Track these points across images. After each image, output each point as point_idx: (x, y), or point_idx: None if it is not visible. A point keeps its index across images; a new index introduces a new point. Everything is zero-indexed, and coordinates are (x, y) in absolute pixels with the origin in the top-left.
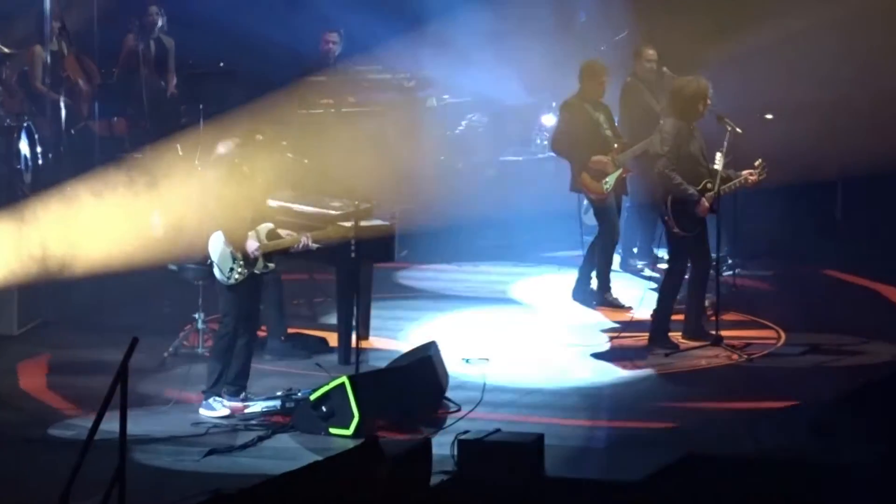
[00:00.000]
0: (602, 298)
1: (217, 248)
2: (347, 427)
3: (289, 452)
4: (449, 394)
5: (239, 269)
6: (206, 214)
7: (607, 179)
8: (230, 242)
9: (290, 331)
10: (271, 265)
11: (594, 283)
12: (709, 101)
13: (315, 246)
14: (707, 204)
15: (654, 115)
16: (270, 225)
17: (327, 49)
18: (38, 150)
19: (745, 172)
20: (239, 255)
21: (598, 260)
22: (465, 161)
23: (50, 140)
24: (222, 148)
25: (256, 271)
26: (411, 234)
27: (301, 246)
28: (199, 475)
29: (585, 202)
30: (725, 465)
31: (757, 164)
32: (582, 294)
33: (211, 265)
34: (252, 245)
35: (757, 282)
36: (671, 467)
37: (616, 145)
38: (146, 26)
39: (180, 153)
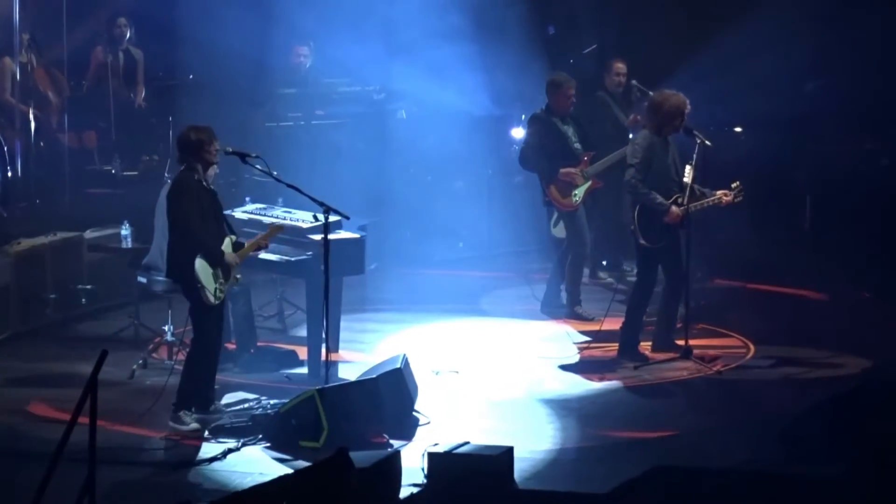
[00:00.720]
0: (571, 311)
1: (202, 270)
2: (317, 440)
3: (258, 465)
4: (418, 406)
5: (220, 287)
6: (181, 233)
7: (576, 192)
8: (211, 261)
9: (259, 343)
10: (239, 276)
11: (564, 296)
12: (685, 117)
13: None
14: (678, 211)
15: (623, 128)
16: (234, 237)
17: (298, 62)
18: (7, 162)
19: (719, 192)
20: (219, 273)
21: (568, 273)
22: (434, 173)
23: (19, 152)
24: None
25: (232, 285)
26: (381, 246)
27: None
28: (169, 488)
29: (556, 215)
30: (694, 478)
31: (734, 185)
32: (551, 307)
33: (200, 289)
34: (231, 258)
35: (726, 294)
36: (640, 480)
37: (585, 157)
38: (115, 38)
39: (150, 164)
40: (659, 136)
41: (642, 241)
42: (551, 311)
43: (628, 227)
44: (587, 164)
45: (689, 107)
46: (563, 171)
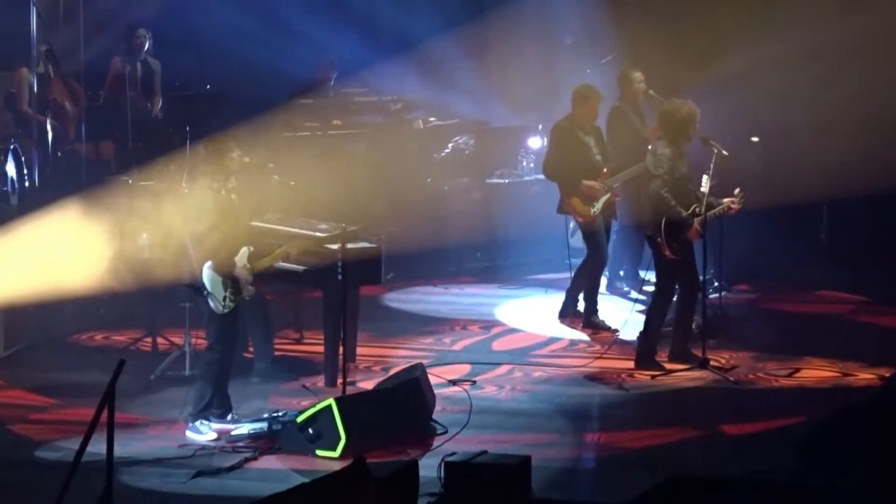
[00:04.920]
0: (588, 321)
1: (209, 277)
2: (334, 449)
3: (276, 475)
4: (436, 416)
5: (231, 297)
6: (195, 242)
7: (595, 203)
8: (221, 271)
9: (276, 353)
10: (252, 289)
11: (581, 306)
12: (697, 126)
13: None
14: (697, 227)
15: (642, 139)
16: (251, 248)
17: (325, 80)
18: (25, 172)
19: (726, 200)
20: (229, 283)
21: (585, 283)
22: (451, 183)
23: (36, 162)
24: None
25: (245, 296)
26: (398, 256)
27: (287, 255)
28: (186, 498)
29: (572, 225)
30: (711, 487)
31: (736, 192)
32: (569, 316)
33: (207, 295)
34: (243, 271)
35: (743, 304)
36: (657, 489)
37: (605, 169)
38: (133, 49)
39: (167, 175)
40: (674, 147)
41: (667, 253)
42: (569, 320)
43: (647, 238)
44: (606, 176)
45: (699, 115)
46: (585, 183)
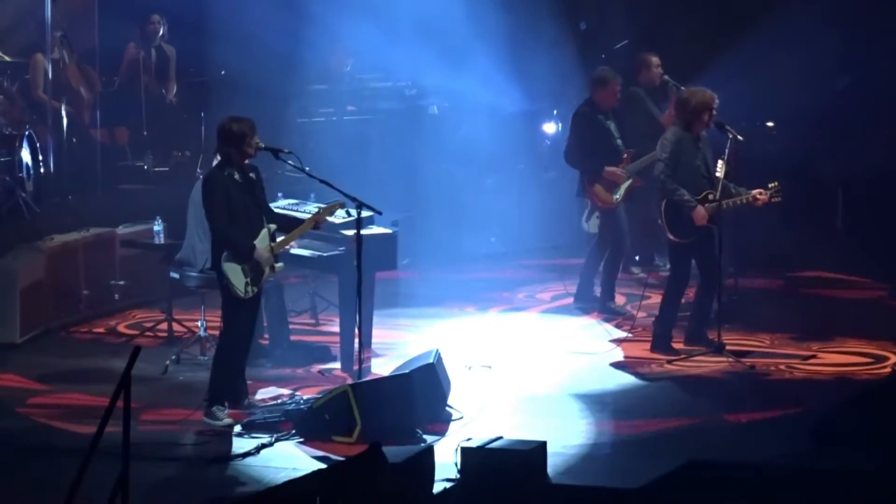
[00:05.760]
0: (604, 306)
1: (228, 267)
2: (350, 435)
3: (291, 460)
4: (451, 401)
5: (252, 282)
6: (213, 234)
7: (618, 190)
8: (241, 258)
9: (292, 339)
10: (279, 265)
11: (596, 290)
12: (714, 112)
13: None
14: (704, 212)
15: (658, 124)
16: (271, 227)
17: (341, 68)
18: (40, 158)
19: (755, 191)
20: (248, 269)
21: (604, 268)
22: (465, 168)
23: (51, 148)
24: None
25: (271, 277)
26: (413, 241)
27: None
28: (202, 483)
29: (588, 209)
30: (727, 472)
31: (771, 185)
32: (584, 301)
33: (227, 284)
34: (264, 253)
35: (758, 289)
36: (673, 474)
37: (625, 154)
38: (148, 35)
39: (181, 160)
40: (689, 133)
41: (670, 236)
42: (584, 305)
43: (656, 222)
44: (628, 161)
45: (716, 102)
46: (608, 169)
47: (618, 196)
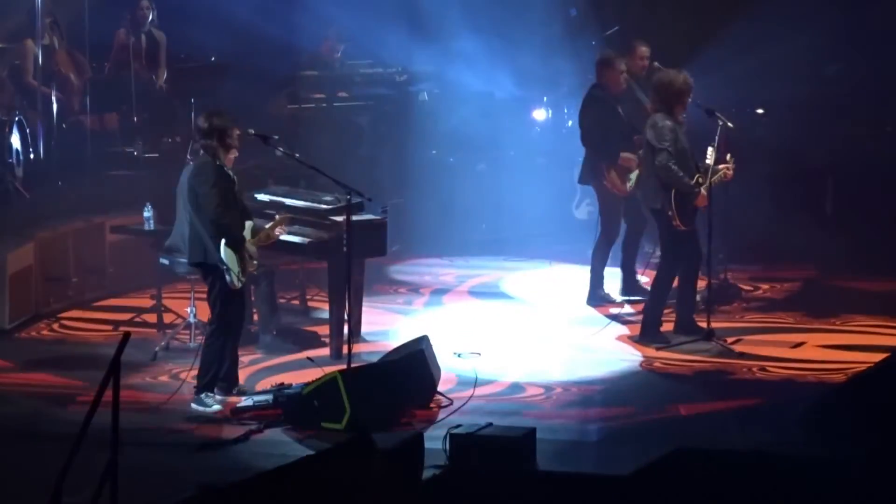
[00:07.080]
0: (595, 293)
1: (226, 254)
2: (339, 421)
3: (281, 447)
4: (441, 388)
5: (242, 272)
6: (206, 218)
7: (631, 176)
8: (236, 246)
9: (281, 325)
10: (256, 263)
11: (606, 287)
12: (691, 95)
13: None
14: (705, 194)
15: (646, 111)
16: (253, 222)
17: (331, 55)
18: (30, 144)
19: (721, 167)
20: (239, 258)
21: (594, 255)
22: (455, 155)
23: (41, 134)
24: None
25: (252, 271)
26: (403, 228)
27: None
28: (191, 470)
29: (578, 196)
30: (716, 460)
31: (728, 157)
32: (596, 300)
33: (225, 271)
34: (250, 246)
35: (747, 276)
36: (662, 461)
37: (635, 138)
38: (137, 20)
39: (172, 147)
40: (673, 118)
41: (677, 224)
42: (596, 303)
43: (653, 211)
44: (639, 146)
45: (692, 84)
46: (623, 155)
47: (631, 183)
